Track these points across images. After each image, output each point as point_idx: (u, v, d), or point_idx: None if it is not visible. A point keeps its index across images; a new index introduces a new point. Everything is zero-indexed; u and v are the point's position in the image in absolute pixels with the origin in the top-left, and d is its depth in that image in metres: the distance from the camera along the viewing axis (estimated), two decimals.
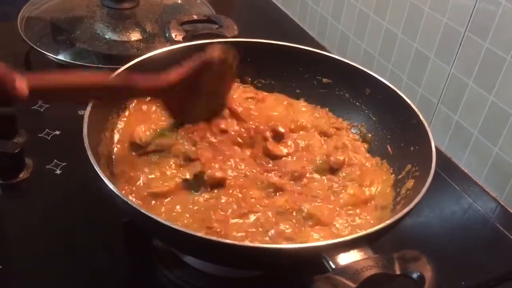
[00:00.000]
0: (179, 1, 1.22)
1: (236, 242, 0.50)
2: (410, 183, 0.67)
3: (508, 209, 0.87)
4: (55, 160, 0.84)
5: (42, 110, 0.94)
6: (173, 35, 0.82)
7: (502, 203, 0.88)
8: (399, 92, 0.74)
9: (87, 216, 0.76)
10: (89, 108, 0.66)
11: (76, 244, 0.72)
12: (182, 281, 0.68)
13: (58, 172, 0.82)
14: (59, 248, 0.72)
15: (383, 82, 0.77)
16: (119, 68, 0.74)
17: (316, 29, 1.29)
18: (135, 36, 1.07)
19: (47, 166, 0.83)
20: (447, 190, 0.89)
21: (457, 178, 0.91)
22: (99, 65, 0.99)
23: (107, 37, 1.05)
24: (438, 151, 0.96)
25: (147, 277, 0.69)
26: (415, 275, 0.48)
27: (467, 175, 0.93)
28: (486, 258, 0.78)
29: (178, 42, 0.83)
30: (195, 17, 0.89)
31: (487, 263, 0.77)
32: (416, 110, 0.71)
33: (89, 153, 0.59)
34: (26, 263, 0.70)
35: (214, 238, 0.51)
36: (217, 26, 0.88)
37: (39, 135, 0.89)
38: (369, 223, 0.65)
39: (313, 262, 0.51)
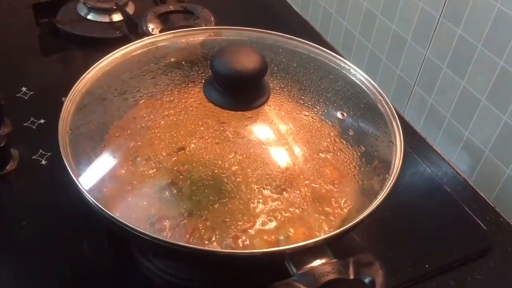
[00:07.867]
0: None
1: (196, 246, 0.52)
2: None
3: (477, 190, 0.90)
4: (40, 151, 0.85)
5: (26, 98, 0.95)
6: (150, 29, 0.83)
7: (472, 185, 0.91)
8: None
9: (71, 209, 0.74)
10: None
11: (61, 235, 0.74)
12: (164, 272, 0.70)
13: (43, 162, 0.84)
14: (44, 239, 0.74)
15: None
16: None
17: (299, 5, 1.29)
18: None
19: (32, 157, 0.84)
20: (420, 170, 0.92)
21: (430, 158, 0.95)
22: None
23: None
24: (413, 131, 1.00)
25: (129, 269, 0.73)
26: (367, 280, 0.52)
27: (440, 156, 0.96)
28: (452, 240, 0.81)
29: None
30: (171, 7, 0.90)
31: (453, 245, 0.80)
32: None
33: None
34: (13, 254, 0.72)
35: (169, 240, 0.53)
36: (194, 17, 0.88)
37: (24, 124, 0.89)
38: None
39: (276, 266, 0.55)
